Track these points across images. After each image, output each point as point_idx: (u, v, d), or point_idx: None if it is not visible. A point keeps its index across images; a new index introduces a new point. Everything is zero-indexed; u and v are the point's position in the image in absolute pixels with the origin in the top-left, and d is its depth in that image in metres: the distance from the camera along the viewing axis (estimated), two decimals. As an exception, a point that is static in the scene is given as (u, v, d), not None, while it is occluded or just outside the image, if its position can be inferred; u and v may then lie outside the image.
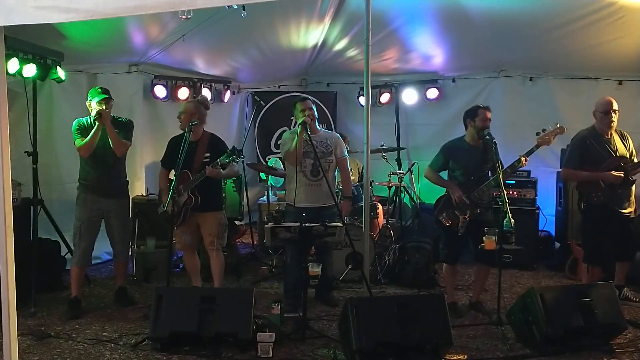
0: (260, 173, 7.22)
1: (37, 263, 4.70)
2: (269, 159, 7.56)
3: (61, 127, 5.68)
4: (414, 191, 6.73)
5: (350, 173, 5.06)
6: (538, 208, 6.23)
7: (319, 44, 7.15)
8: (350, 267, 5.27)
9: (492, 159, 4.43)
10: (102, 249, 5.71)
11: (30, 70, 4.65)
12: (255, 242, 6.87)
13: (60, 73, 4.99)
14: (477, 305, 4.78)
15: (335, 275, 5.22)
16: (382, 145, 6.44)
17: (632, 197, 4.72)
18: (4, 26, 2.65)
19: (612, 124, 4.63)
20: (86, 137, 4.51)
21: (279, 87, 8.34)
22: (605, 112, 4.63)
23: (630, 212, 4.71)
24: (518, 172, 5.21)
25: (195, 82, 7.05)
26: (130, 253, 5.35)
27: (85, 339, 4.06)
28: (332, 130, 7.50)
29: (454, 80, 7.50)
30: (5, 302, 2.88)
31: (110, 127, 4.51)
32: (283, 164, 5.81)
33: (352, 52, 7.22)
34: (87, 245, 4.64)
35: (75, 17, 2.44)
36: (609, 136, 4.69)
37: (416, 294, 5.05)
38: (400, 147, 7.22)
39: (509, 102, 7.04)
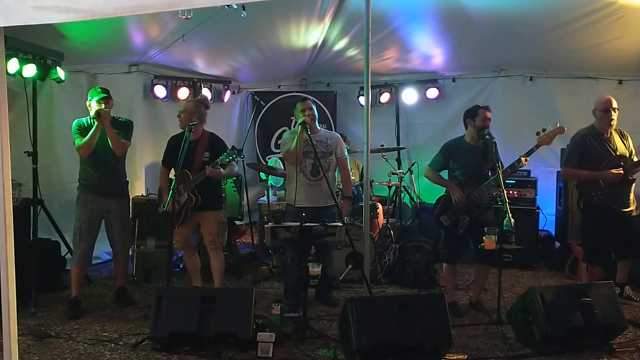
0: (260, 173, 7.22)
1: (37, 263, 4.69)
2: (269, 158, 7.56)
3: (61, 127, 5.68)
4: (414, 191, 6.73)
5: (351, 173, 5.06)
6: (538, 208, 6.23)
7: (319, 44, 7.15)
8: (350, 267, 5.26)
9: (492, 159, 4.43)
10: (102, 249, 5.71)
11: (30, 70, 4.65)
12: (255, 242, 6.87)
13: (60, 73, 4.99)
14: (477, 305, 4.78)
15: (335, 275, 5.22)
16: (382, 145, 6.44)
17: (632, 196, 4.71)
18: (3, 26, 2.65)
19: (612, 122, 4.62)
20: (86, 137, 4.51)
21: (279, 87, 8.34)
22: (604, 110, 4.63)
23: (632, 210, 4.71)
24: (518, 172, 5.21)
25: (195, 82, 7.05)
26: (130, 253, 5.35)
27: (86, 339, 4.06)
28: (332, 130, 7.50)
29: (454, 80, 7.50)
30: (6, 302, 2.88)
31: (109, 126, 4.50)
32: (283, 164, 5.82)
33: (352, 52, 7.22)
34: (87, 246, 4.64)
35: (75, 17, 2.44)
36: (609, 135, 4.68)
37: (416, 294, 5.06)
38: (400, 146, 7.21)
39: (509, 101, 7.04)
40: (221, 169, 4.50)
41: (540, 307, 3.80)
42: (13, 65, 4.44)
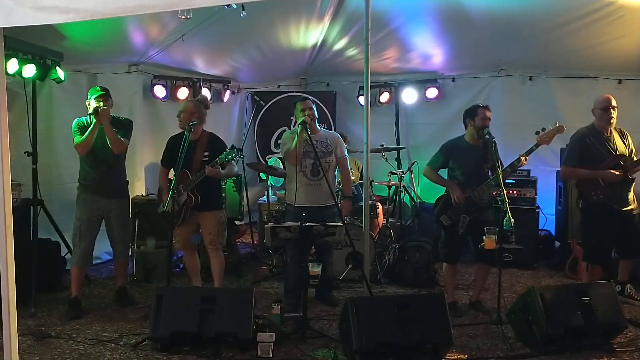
0: (260, 173, 7.22)
1: (37, 263, 4.69)
2: (269, 158, 7.56)
3: (61, 127, 5.68)
4: (414, 191, 6.74)
5: (351, 173, 5.06)
6: (538, 207, 6.23)
7: (319, 44, 7.15)
8: (350, 266, 5.27)
9: (492, 158, 4.43)
10: (102, 249, 5.70)
11: (29, 70, 4.65)
12: (255, 242, 6.87)
13: (60, 73, 4.99)
14: (477, 305, 4.78)
15: (335, 275, 5.22)
16: (382, 145, 6.44)
17: (632, 195, 4.71)
18: (3, 27, 2.65)
19: (612, 121, 4.62)
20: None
21: (279, 86, 8.34)
22: (604, 108, 4.63)
23: (632, 209, 4.70)
24: (518, 172, 5.22)
25: (195, 82, 7.05)
26: (130, 253, 5.35)
27: (86, 339, 4.06)
28: (332, 130, 7.50)
29: (453, 80, 7.50)
30: (6, 302, 2.88)
31: (107, 124, 4.49)
32: (283, 164, 5.82)
33: (351, 52, 7.22)
34: (87, 245, 4.64)
35: (75, 18, 2.44)
36: (609, 134, 4.68)
37: (416, 294, 5.07)
38: (400, 146, 7.21)
39: (509, 101, 7.04)
40: (220, 169, 4.50)
41: (540, 307, 3.80)
42: (13, 65, 4.44)
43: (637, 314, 4.60)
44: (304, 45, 7.11)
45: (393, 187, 6.43)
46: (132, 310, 4.73)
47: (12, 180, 2.97)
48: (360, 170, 6.53)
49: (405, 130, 7.91)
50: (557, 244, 6.48)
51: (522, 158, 4.43)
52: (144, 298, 5.00)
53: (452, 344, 3.70)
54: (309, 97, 5.62)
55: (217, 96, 7.48)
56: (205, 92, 7.03)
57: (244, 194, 6.86)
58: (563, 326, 3.77)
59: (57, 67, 4.96)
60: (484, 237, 4.14)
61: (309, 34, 6.76)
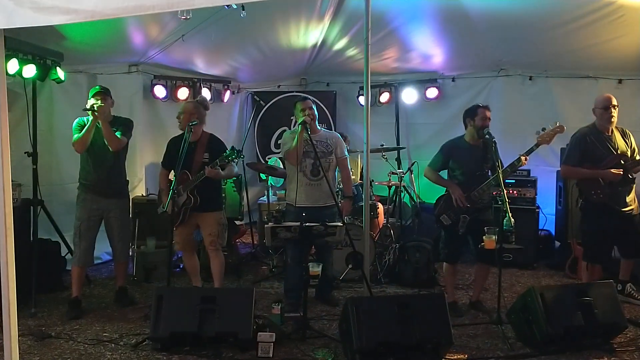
0: (260, 173, 7.22)
1: (38, 263, 4.70)
2: (269, 158, 7.56)
3: (61, 127, 5.68)
4: (414, 191, 6.74)
5: (351, 173, 5.06)
6: (538, 207, 6.23)
7: (319, 44, 7.15)
8: (350, 266, 5.27)
9: (492, 158, 4.43)
10: (102, 249, 5.70)
11: (29, 70, 4.65)
12: (255, 242, 6.87)
13: (60, 73, 4.99)
14: (477, 305, 4.78)
15: (335, 275, 5.22)
16: (382, 145, 6.44)
17: (632, 196, 4.71)
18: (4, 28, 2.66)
19: (612, 120, 4.61)
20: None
21: (279, 86, 8.34)
22: (604, 107, 4.62)
23: (632, 209, 4.70)
24: (518, 171, 5.21)
25: (195, 82, 7.05)
26: (130, 253, 5.35)
27: (86, 339, 4.06)
28: (332, 129, 7.50)
29: (453, 80, 7.50)
30: (6, 303, 2.89)
31: (104, 121, 4.47)
32: (283, 164, 5.82)
33: (351, 52, 7.22)
34: (87, 245, 4.64)
35: (76, 19, 2.45)
36: (610, 133, 4.67)
37: (416, 294, 5.07)
38: (400, 146, 7.21)
39: (509, 101, 7.04)
40: (220, 170, 4.50)
41: (540, 307, 3.80)
42: (13, 65, 4.44)
43: (637, 313, 4.60)
44: (304, 45, 7.11)
45: (393, 187, 6.43)
46: (132, 310, 4.73)
47: (12, 181, 2.98)
48: (360, 170, 6.53)
49: (405, 130, 7.91)
50: (557, 244, 6.48)
51: (522, 158, 4.42)
52: (144, 298, 5.00)
53: (452, 343, 3.70)
54: (309, 97, 5.62)
55: (217, 96, 7.48)
56: (205, 92, 7.03)
57: (244, 194, 6.87)
58: (563, 326, 3.77)
59: (58, 68, 4.96)
60: (484, 237, 4.13)
61: (309, 34, 6.76)
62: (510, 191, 5.99)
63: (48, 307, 4.72)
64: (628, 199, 4.67)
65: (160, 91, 6.66)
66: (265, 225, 4.20)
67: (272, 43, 6.80)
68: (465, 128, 4.70)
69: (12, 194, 3.08)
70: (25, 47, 4.58)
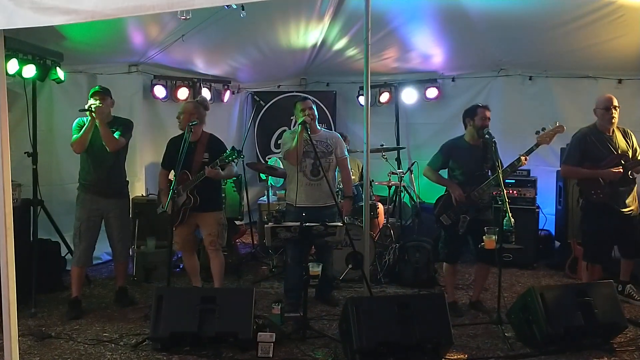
0: (260, 173, 7.22)
1: (38, 263, 4.70)
2: (269, 158, 7.56)
3: (61, 127, 5.68)
4: (414, 190, 6.74)
5: (351, 173, 5.06)
6: (538, 207, 6.23)
7: (319, 44, 7.15)
8: (350, 266, 5.27)
9: (491, 158, 4.43)
10: (102, 249, 5.70)
11: (29, 71, 4.65)
12: (255, 242, 6.87)
13: (60, 73, 4.99)
14: (477, 305, 4.78)
15: (335, 275, 5.22)
16: (382, 145, 6.44)
17: (633, 197, 4.70)
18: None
19: (613, 121, 4.61)
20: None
21: (279, 87, 8.34)
22: (605, 108, 4.62)
23: (632, 210, 4.70)
24: (518, 171, 5.21)
25: (194, 82, 7.05)
26: (130, 253, 5.35)
27: (86, 340, 4.06)
28: (332, 129, 7.50)
29: (453, 80, 7.50)
30: (6, 303, 2.88)
31: (101, 121, 4.46)
32: (283, 164, 5.81)
33: (351, 52, 7.23)
34: (87, 245, 4.64)
35: (76, 19, 2.45)
36: (611, 134, 4.66)
37: (416, 294, 5.07)
38: (400, 146, 7.22)
39: (509, 101, 7.04)
40: (220, 170, 4.50)
41: (541, 307, 3.80)
42: (13, 65, 4.44)
43: (637, 313, 4.60)
44: (304, 45, 7.11)
45: (393, 187, 6.43)
46: (132, 310, 4.73)
47: (12, 181, 2.97)
48: (360, 170, 6.53)
49: (405, 130, 7.91)
50: (557, 243, 6.48)
51: (522, 158, 4.42)
52: (144, 298, 5.00)
53: (452, 343, 3.70)
54: (309, 97, 5.62)
55: (217, 96, 7.48)
56: (205, 92, 7.03)
57: (244, 194, 6.87)
58: (563, 326, 3.77)
59: (57, 68, 4.96)
60: (484, 237, 4.13)
61: (309, 34, 6.76)
62: (510, 191, 5.99)
63: (48, 307, 4.72)
64: (628, 200, 4.67)
65: (160, 91, 6.66)
66: (265, 225, 4.20)
67: (272, 43, 6.80)
68: (465, 128, 4.70)
69: (12, 194, 3.09)
70: (25, 47, 4.58)
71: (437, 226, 4.80)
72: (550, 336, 3.76)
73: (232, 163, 4.54)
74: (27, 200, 4.88)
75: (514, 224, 4.16)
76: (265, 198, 6.83)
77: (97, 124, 4.46)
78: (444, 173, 4.80)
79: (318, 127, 4.89)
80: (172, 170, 4.55)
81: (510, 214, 4.12)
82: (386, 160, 6.52)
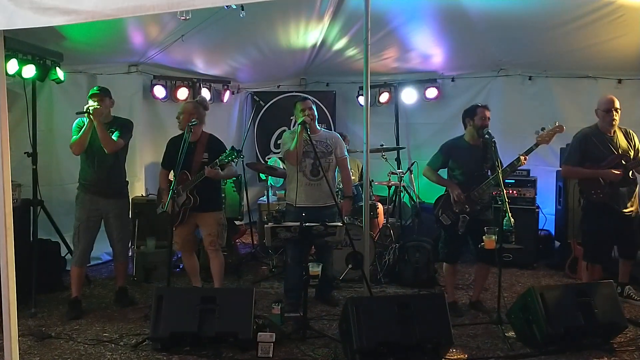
0: (260, 173, 7.22)
1: (38, 263, 4.70)
2: (269, 158, 7.56)
3: (61, 127, 5.68)
4: (414, 190, 6.74)
5: (351, 173, 5.06)
6: (538, 207, 6.23)
7: (318, 44, 7.15)
8: (350, 266, 5.27)
9: (491, 158, 4.43)
10: (102, 249, 5.71)
11: (29, 71, 4.65)
12: (255, 242, 6.87)
13: (60, 74, 4.99)
14: (477, 305, 4.78)
15: (335, 275, 5.22)
16: (382, 145, 6.44)
17: (633, 197, 4.70)
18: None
19: (614, 122, 4.61)
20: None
21: (279, 87, 8.34)
22: (606, 110, 4.62)
23: (632, 211, 4.69)
24: (517, 171, 5.21)
25: (194, 82, 7.05)
26: (130, 253, 5.35)
27: (86, 340, 4.06)
28: (331, 129, 7.50)
29: (453, 80, 7.50)
30: (6, 303, 2.89)
31: (99, 123, 4.45)
32: (283, 164, 5.82)
33: (351, 52, 7.23)
34: (86, 245, 4.65)
35: (76, 19, 2.45)
36: (612, 134, 4.66)
37: (416, 294, 5.07)
38: (400, 146, 7.22)
39: (509, 101, 7.04)
40: (220, 170, 4.50)
41: (540, 307, 3.80)
42: (12, 66, 4.44)
43: (637, 313, 4.60)
44: (304, 45, 7.11)
45: (393, 187, 6.43)
46: (132, 310, 4.73)
47: (12, 181, 2.97)
48: (360, 170, 6.53)
49: (405, 130, 7.91)
50: (557, 243, 6.48)
51: (522, 158, 4.43)
52: (144, 298, 5.00)
53: (452, 343, 3.70)
54: (309, 97, 5.62)
55: (217, 96, 7.48)
56: (205, 92, 7.03)
57: (244, 194, 6.86)
58: (563, 326, 3.77)
59: (57, 68, 4.96)
60: (484, 237, 4.14)
61: (309, 34, 6.76)
62: (510, 191, 5.99)
63: (48, 307, 4.72)
64: (629, 201, 4.66)
65: (159, 91, 6.66)
66: (265, 225, 4.20)
67: (272, 43, 6.80)
68: (465, 128, 4.71)
69: (12, 194, 3.09)
70: (24, 48, 4.58)
71: (437, 226, 4.80)
72: (550, 336, 3.76)
73: (232, 163, 4.54)
74: (27, 201, 4.88)
75: (514, 224, 4.16)
76: (265, 198, 6.83)
77: (95, 126, 4.46)
78: (444, 173, 4.80)
79: (318, 127, 4.89)
80: (172, 170, 4.55)
81: (510, 214, 4.12)
82: (386, 160, 6.52)
